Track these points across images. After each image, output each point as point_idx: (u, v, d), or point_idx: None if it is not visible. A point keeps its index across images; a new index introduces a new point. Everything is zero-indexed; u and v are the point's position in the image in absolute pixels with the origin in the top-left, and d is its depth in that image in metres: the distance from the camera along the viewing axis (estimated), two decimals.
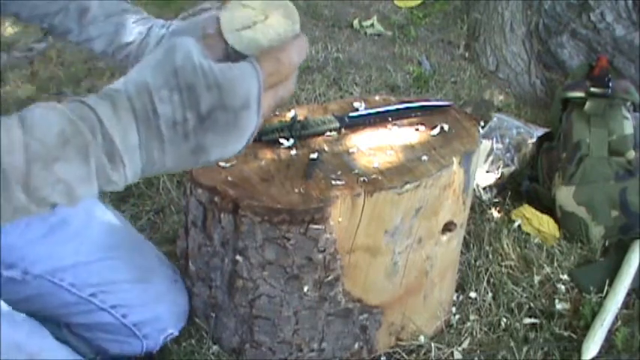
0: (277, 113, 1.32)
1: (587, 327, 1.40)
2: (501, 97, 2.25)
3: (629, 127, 1.71)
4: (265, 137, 1.22)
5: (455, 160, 1.18)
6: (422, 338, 1.35)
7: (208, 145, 0.67)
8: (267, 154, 1.20)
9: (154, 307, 1.22)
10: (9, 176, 0.61)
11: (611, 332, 1.39)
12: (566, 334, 1.40)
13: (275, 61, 0.70)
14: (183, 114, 0.65)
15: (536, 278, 1.53)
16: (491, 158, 1.80)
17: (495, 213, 1.74)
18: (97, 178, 0.64)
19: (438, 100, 1.43)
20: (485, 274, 1.52)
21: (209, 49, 0.69)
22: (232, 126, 0.67)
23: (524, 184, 1.79)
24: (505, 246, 1.59)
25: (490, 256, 1.58)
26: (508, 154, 1.81)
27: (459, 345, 1.37)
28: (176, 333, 1.28)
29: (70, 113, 0.62)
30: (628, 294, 1.48)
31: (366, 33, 2.58)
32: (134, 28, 1.08)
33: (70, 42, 1.14)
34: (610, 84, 1.78)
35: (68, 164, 0.62)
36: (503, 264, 1.56)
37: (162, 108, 0.64)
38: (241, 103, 0.66)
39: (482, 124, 1.82)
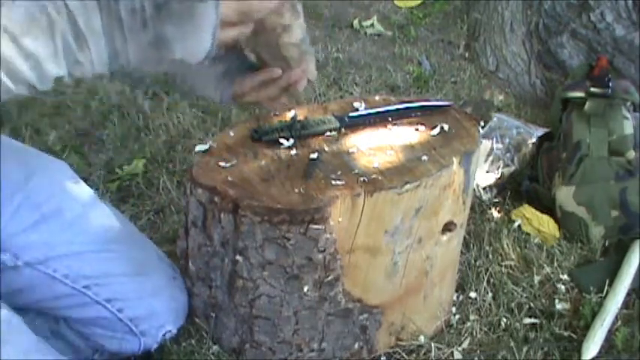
0: (277, 113, 1.32)
1: (587, 327, 1.40)
2: (501, 97, 2.25)
3: (629, 127, 1.71)
4: (265, 137, 1.22)
5: (455, 160, 1.18)
6: (422, 338, 1.35)
7: (167, 37, 0.70)
8: (267, 154, 1.20)
9: (151, 301, 1.22)
10: None
11: (611, 332, 1.39)
12: (566, 334, 1.40)
13: None
14: (141, 2, 0.68)
15: (536, 278, 1.53)
16: (491, 158, 1.81)
17: (495, 213, 1.74)
18: (64, 56, 0.68)
19: (438, 100, 1.43)
20: (485, 274, 1.52)
21: None
22: (188, 16, 0.69)
23: (524, 184, 1.79)
24: (505, 246, 1.59)
25: (490, 256, 1.58)
26: (508, 154, 1.81)
27: (459, 345, 1.37)
28: (174, 331, 1.27)
29: None
30: (628, 294, 1.48)
31: (366, 33, 2.58)
32: None
33: None
34: (610, 84, 1.78)
35: (36, 40, 0.66)
36: (503, 264, 1.56)
37: None
38: (200, 12, 0.69)
39: (482, 124, 1.82)
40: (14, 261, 1.13)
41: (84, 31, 0.68)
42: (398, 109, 1.32)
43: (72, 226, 1.16)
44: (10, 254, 1.13)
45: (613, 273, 1.53)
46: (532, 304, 1.47)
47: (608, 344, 1.38)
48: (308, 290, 1.17)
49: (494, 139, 1.83)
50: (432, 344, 1.34)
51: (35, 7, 0.66)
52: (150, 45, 0.70)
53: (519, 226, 1.68)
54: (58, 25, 0.67)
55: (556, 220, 1.68)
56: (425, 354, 1.33)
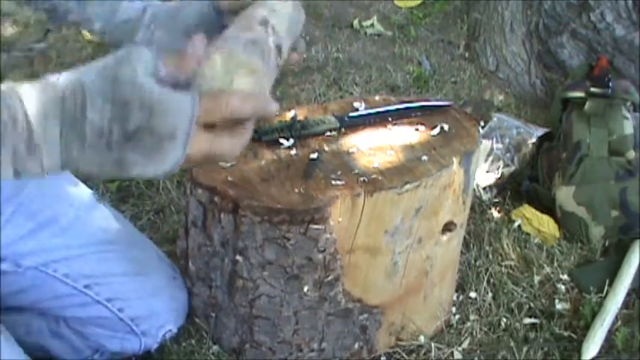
0: (277, 113, 1.31)
1: (587, 327, 1.40)
2: (501, 97, 2.25)
3: (629, 127, 1.71)
4: (265, 137, 1.22)
5: (455, 160, 1.18)
6: (422, 338, 1.35)
7: (129, 162, 0.67)
8: (267, 154, 1.20)
9: (151, 301, 1.22)
10: None
11: (611, 332, 1.39)
12: (566, 334, 1.40)
13: (214, 100, 0.69)
14: (109, 126, 0.65)
15: (536, 278, 1.53)
16: (491, 158, 1.81)
17: (495, 213, 1.74)
18: (12, 163, 0.65)
19: (438, 100, 1.43)
20: (485, 274, 1.52)
21: (173, 65, 0.69)
22: (155, 151, 0.66)
23: (524, 184, 1.79)
24: (505, 246, 1.59)
25: (490, 256, 1.58)
26: (508, 154, 1.81)
27: (459, 345, 1.37)
28: (175, 330, 1.27)
29: None
30: (628, 294, 1.48)
31: (366, 33, 2.58)
32: (130, 6, 1.08)
33: (71, 24, 1.12)
34: (610, 84, 1.78)
35: None
36: (503, 264, 1.56)
37: (92, 113, 0.65)
38: (168, 131, 0.65)
39: (482, 124, 1.82)
40: (15, 268, 1.13)
41: (38, 143, 0.64)
42: (398, 109, 1.32)
43: (68, 230, 1.17)
44: (9, 262, 1.13)
45: (613, 273, 1.53)
46: (532, 304, 1.47)
47: (608, 344, 1.38)
48: (308, 290, 1.17)
49: (494, 139, 1.83)
50: (432, 344, 1.34)
51: None
52: (110, 163, 0.67)
53: (519, 226, 1.68)
54: (9, 133, 0.63)
55: (556, 220, 1.68)
56: (425, 354, 1.33)
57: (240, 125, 0.71)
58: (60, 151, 0.65)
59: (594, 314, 1.42)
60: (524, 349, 1.36)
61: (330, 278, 1.16)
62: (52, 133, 0.64)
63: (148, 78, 0.65)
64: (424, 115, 1.32)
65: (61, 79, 0.66)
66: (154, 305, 1.23)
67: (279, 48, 0.82)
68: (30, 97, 0.64)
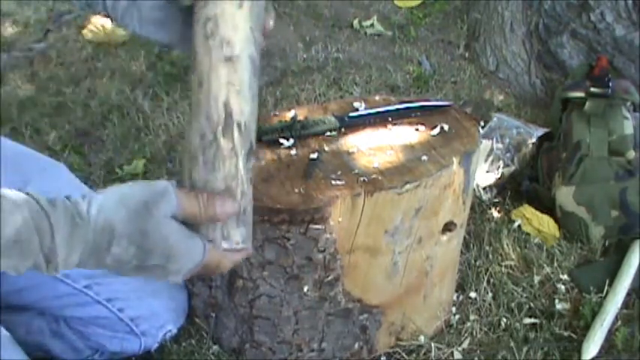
0: (277, 113, 1.32)
1: (587, 327, 1.40)
2: (501, 97, 2.25)
3: (629, 127, 1.71)
4: (265, 137, 1.22)
5: (455, 160, 1.18)
6: (422, 338, 1.35)
7: (134, 275, 0.79)
8: (267, 154, 1.20)
9: (151, 301, 1.22)
10: None
11: (611, 332, 1.39)
12: (566, 334, 1.40)
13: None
14: (130, 259, 0.75)
15: (536, 278, 1.53)
16: (491, 158, 1.80)
17: (495, 213, 1.74)
18: (26, 270, 0.73)
19: (438, 100, 1.43)
20: (485, 274, 1.52)
21: (188, 204, 0.78)
22: (160, 279, 0.79)
23: (524, 184, 1.79)
24: (505, 246, 1.59)
25: (490, 256, 1.58)
26: (508, 154, 1.81)
27: (459, 345, 1.37)
28: (175, 330, 1.27)
29: (30, 218, 0.70)
30: (628, 294, 1.48)
31: (366, 33, 2.58)
32: None
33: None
34: (610, 84, 1.78)
35: (9, 259, 0.70)
36: (503, 264, 1.56)
37: (116, 249, 0.74)
38: (177, 269, 0.78)
39: (482, 124, 1.82)
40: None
41: (59, 262, 0.73)
42: (398, 109, 1.32)
43: None
44: None
45: (613, 273, 1.53)
46: (532, 304, 1.47)
47: (608, 344, 1.38)
48: (308, 290, 1.17)
49: (494, 139, 1.83)
50: (432, 344, 1.34)
51: (24, 228, 0.70)
52: (129, 271, 0.78)
53: (519, 226, 1.68)
54: (35, 252, 0.71)
55: (556, 220, 1.68)
56: (425, 354, 1.34)
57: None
58: (77, 265, 0.75)
59: (594, 314, 1.42)
60: (524, 349, 1.36)
61: (330, 278, 1.16)
62: (73, 257, 0.73)
63: (171, 227, 0.76)
64: (424, 115, 1.32)
65: (93, 209, 0.74)
66: (154, 305, 1.23)
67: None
68: (60, 224, 0.72)
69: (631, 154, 1.67)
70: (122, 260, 0.75)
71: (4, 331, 0.99)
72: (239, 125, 0.81)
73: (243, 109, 0.82)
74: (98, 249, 0.74)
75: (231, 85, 0.81)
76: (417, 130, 1.28)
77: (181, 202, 0.77)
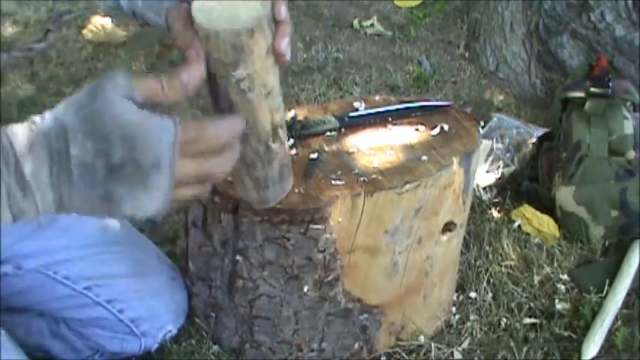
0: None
1: (587, 327, 1.40)
2: (501, 97, 2.25)
3: (629, 127, 1.70)
4: None
5: (455, 160, 1.18)
6: (422, 338, 1.35)
7: (115, 196, 0.66)
8: None
9: (151, 302, 1.22)
10: None
11: (611, 332, 1.39)
12: (566, 334, 1.40)
13: (199, 128, 0.69)
14: (93, 162, 0.65)
15: (536, 278, 1.53)
16: (491, 158, 1.80)
17: (495, 213, 1.74)
18: (9, 205, 0.66)
19: (438, 100, 1.43)
20: (485, 274, 1.52)
21: (148, 92, 0.69)
22: (141, 183, 0.66)
23: (524, 184, 1.79)
24: (505, 246, 1.59)
25: (490, 256, 1.58)
26: (508, 154, 1.81)
27: (459, 345, 1.37)
28: (175, 331, 1.27)
29: None
30: (628, 294, 1.48)
31: (366, 33, 2.58)
32: None
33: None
34: (610, 84, 1.78)
35: None
36: (503, 264, 1.56)
37: (75, 151, 0.65)
38: (152, 161, 0.65)
39: (482, 124, 1.82)
40: (16, 271, 1.13)
41: (30, 182, 0.65)
42: (398, 109, 1.32)
43: (69, 231, 1.16)
44: (11, 265, 1.13)
45: (613, 273, 1.53)
46: (532, 304, 1.47)
47: (608, 344, 1.38)
48: (308, 290, 1.17)
49: (494, 139, 1.83)
50: (432, 344, 1.34)
51: None
52: (98, 200, 0.67)
53: (519, 226, 1.68)
54: (3, 174, 0.64)
55: (556, 220, 1.68)
56: (425, 354, 1.33)
57: (227, 145, 0.72)
58: (52, 189, 0.66)
59: (594, 314, 1.42)
60: (524, 349, 1.36)
61: (330, 278, 1.16)
62: (42, 172, 0.65)
63: (125, 106, 0.65)
64: (424, 115, 1.32)
65: (45, 120, 0.66)
66: (154, 306, 1.23)
67: None
68: (18, 138, 0.65)
69: (631, 154, 1.67)
70: (87, 164, 0.65)
71: (3, 333, 0.99)
72: (281, 126, 0.92)
73: (281, 113, 0.92)
74: (59, 157, 0.65)
75: (273, 110, 0.90)
76: (417, 130, 1.28)
77: (135, 83, 0.68)
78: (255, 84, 0.86)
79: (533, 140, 1.84)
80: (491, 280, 1.51)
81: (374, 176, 1.14)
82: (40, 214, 0.68)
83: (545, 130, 1.89)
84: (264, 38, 0.84)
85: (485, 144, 1.81)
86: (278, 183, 0.97)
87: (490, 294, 1.48)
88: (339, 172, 1.15)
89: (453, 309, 1.45)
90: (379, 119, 1.30)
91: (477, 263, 1.56)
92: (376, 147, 1.23)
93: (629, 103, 1.77)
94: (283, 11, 0.87)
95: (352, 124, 1.28)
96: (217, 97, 0.86)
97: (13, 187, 0.65)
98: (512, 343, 1.36)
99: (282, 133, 0.96)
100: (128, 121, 0.65)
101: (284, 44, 0.86)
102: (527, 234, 1.66)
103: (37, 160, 0.65)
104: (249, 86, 0.85)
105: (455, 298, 1.47)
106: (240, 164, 0.93)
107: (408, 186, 1.12)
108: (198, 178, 0.71)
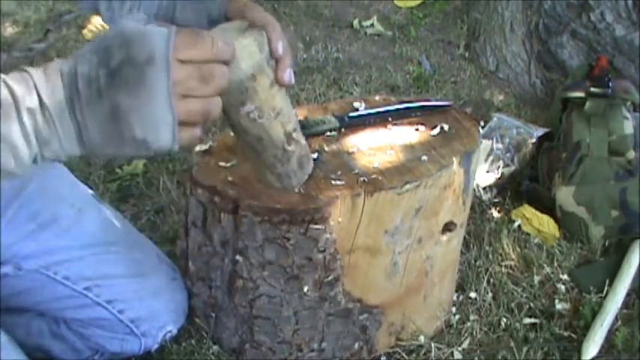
0: None
1: (587, 327, 1.40)
2: (501, 97, 2.25)
3: (629, 127, 1.70)
4: None
5: (455, 160, 1.18)
6: (422, 338, 1.35)
7: (122, 107, 0.68)
8: None
9: (151, 302, 1.22)
10: None
11: (611, 332, 1.39)
12: (566, 334, 1.40)
13: (195, 34, 0.71)
14: (96, 71, 0.68)
15: (536, 278, 1.53)
16: (491, 158, 1.80)
17: (495, 213, 1.74)
18: (33, 135, 0.69)
19: (438, 100, 1.43)
20: (485, 274, 1.52)
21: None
22: (139, 82, 0.68)
23: (524, 184, 1.79)
24: (505, 246, 1.59)
25: (490, 256, 1.58)
26: (508, 154, 1.81)
27: (459, 345, 1.37)
28: (175, 331, 1.27)
29: (6, 78, 0.68)
30: (628, 294, 1.48)
31: (366, 33, 2.58)
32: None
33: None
34: (610, 84, 1.78)
35: (6, 123, 0.67)
36: (503, 264, 1.56)
37: (81, 68, 0.69)
38: (146, 57, 0.67)
39: (482, 124, 1.82)
40: (16, 272, 1.13)
41: (48, 106, 0.68)
42: (398, 109, 1.32)
43: (69, 231, 1.16)
44: (11, 266, 1.13)
45: (613, 273, 1.53)
46: (532, 304, 1.47)
47: (608, 344, 1.38)
48: (308, 290, 1.17)
49: (494, 139, 1.83)
50: (432, 344, 1.34)
51: (3, 88, 0.67)
52: (108, 118, 0.69)
53: (519, 226, 1.68)
54: (25, 104, 0.68)
55: (556, 220, 1.68)
56: (425, 354, 1.33)
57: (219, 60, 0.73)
58: (68, 110, 0.69)
59: (594, 314, 1.42)
60: (524, 349, 1.36)
61: (330, 278, 1.16)
62: (57, 95, 0.69)
63: (129, 22, 0.71)
64: (424, 115, 1.32)
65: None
66: (154, 306, 1.23)
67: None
68: (35, 71, 0.69)
69: (631, 154, 1.67)
70: (91, 77, 0.68)
71: (4, 333, 0.99)
72: (295, 129, 1.02)
73: (293, 120, 1.01)
74: (70, 78, 0.69)
75: (284, 123, 0.98)
76: (417, 130, 1.28)
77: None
78: (264, 111, 0.92)
79: (533, 140, 1.84)
80: (491, 280, 1.51)
81: (374, 176, 1.14)
82: (64, 147, 0.71)
83: (545, 130, 1.89)
84: (266, 76, 0.91)
85: (485, 144, 1.81)
86: (299, 171, 1.07)
87: (490, 294, 1.48)
88: (339, 172, 1.15)
89: (453, 309, 1.45)
90: (379, 119, 1.30)
91: (477, 263, 1.56)
92: (376, 147, 1.22)
93: (629, 103, 1.77)
94: (280, 48, 0.91)
95: (352, 124, 1.28)
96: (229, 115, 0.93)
97: (34, 113, 0.68)
98: (512, 343, 1.36)
99: (297, 133, 1.04)
100: (127, 28, 0.69)
101: (287, 76, 0.92)
102: (527, 234, 1.66)
103: (51, 84, 0.69)
104: (259, 114, 0.91)
105: (455, 298, 1.47)
106: (260, 164, 1.03)
107: (408, 186, 1.12)
108: (200, 78, 0.71)
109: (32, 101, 0.68)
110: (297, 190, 1.09)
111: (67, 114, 0.69)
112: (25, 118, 0.68)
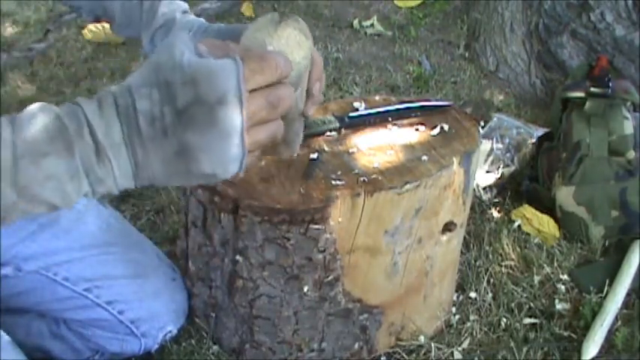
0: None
1: (587, 327, 1.40)
2: (501, 97, 2.25)
3: (629, 127, 1.71)
4: None
5: (455, 160, 1.18)
6: (422, 338, 1.35)
7: (191, 146, 0.65)
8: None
9: (151, 303, 1.22)
10: None
11: (611, 332, 1.39)
12: (566, 334, 1.40)
13: (260, 59, 0.67)
14: (160, 109, 0.64)
15: (536, 278, 1.53)
16: (491, 158, 1.81)
17: (495, 213, 1.74)
18: (85, 174, 0.65)
19: (438, 100, 1.43)
20: (485, 274, 1.52)
21: (210, 47, 0.67)
22: (210, 122, 0.64)
23: (524, 184, 1.79)
24: (505, 246, 1.59)
25: (490, 256, 1.58)
26: (508, 154, 1.81)
27: (459, 345, 1.37)
28: (175, 331, 1.27)
29: (57, 110, 0.64)
30: (628, 294, 1.48)
31: (366, 33, 2.58)
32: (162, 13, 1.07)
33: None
34: (610, 84, 1.78)
35: (55, 159, 0.63)
36: (503, 264, 1.56)
37: (141, 104, 0.64)
38: (217, 97, 0.63)
39: (482, 124, 1.82)
40: (16, 273, 1.13)
41: (103, 144, 0.64)
42: (398, 109, 1.32)
43: (69, 232, 1.16)
44: (12, 267, 1.13)
45: (613, 273, 1.53)
46: (532, 304, 1.47)
47: (608, 344, 1.38)
48: (308, 290, 1.17)
49: (494, 139, 1.83)
50: (432, 344, 1.34)
51: (53, 123, 0.63)
52: (174, 156, 0.65)
53: (519, 226, 1.68)
54: (77, 141, 0.63)
55: (556, 220, 1.68)
56: (425, 354, 1.33)
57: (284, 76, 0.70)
58: (125, 149, 0.65)
59: (594, 314, 1.42)
60: (524, 349, 1.36)
61: (330, 278, 1.16)
62: (114, 134, 0.64)
63: (186, 54, 0.64)
64: (424, 115, 1.32)
65: (113, 87, 0.66)
66: (154, 307, 1.23)
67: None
68: (87, 104, 0.65)
69: (631, 154, 1.67)
70: (155, 116, 0.64)
71: (4, 334, 0.99)
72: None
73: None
74: (127, 112, 0.64)
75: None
76: (417, 130, 1.28)
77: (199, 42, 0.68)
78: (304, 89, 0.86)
79: (533, 140, 1.84)
80: (491, 280, 1.51)
81: (374, 176, 1.14)
82: (118, 184, 0.67)
83: (545, 130, 1.89)
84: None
85: (485, 144, 1.81)
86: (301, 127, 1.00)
87: (490, 294, 1.48)
88: (339, 172, 1.15)
89: (453, 309, 1.45)
90: (379, 119, 1.30)
91: (477, 263, 1.56)
92: (376, 147, 1.23)
93: (629, 103, 1.77)
94: (317, 90, 0.87)
95: (352, 124, 1.28)
96: None
97: (88, 152, 0.64)
98: (512, 343, 1.36)
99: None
100: (188, 63, 0.63)
101: (311, 111, 0.90)
102: (527, 234, 1.66)
103: (106, 120, 0.64)
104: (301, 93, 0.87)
105: (455, 298, 1.47)
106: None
107: (408, 186, 1.12)
108: (270, 106, 0.68)
109: (85, 138, 0.64)
110: (296, 155, 1.00)
111: (125, 152, 0.65)
112: (77, 155, 0.64)
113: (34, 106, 0.64)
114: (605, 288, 1.49)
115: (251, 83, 0.66)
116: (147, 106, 0.64)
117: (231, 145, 0.65)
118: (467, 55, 2.45)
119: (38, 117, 0.63)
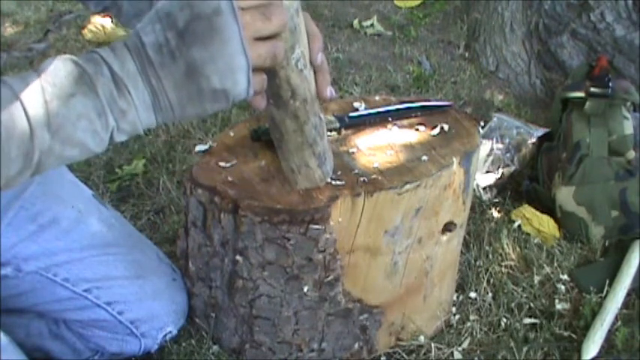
0: None
1: (587, 327, 1.40)
2: (501, 97, 2.25)
3: (629, 127, 1.71)
4: (265, 137, 1.22)
5: (455, 160, 1.18)
6: (422, 338, 1.35)
7: (198, 62, 0.72)
8: (267, 154, 1.20)
9: (151, 303, 1.22)
10: (32, 120, 0.69)
11: (611, 332, 1.39)
12: (566, 334, 1.40)
13: None
14: (164, 36, 0.72)
15: (536, 278, 1.53)
16: (491, 158, 1.80)
17: (495, 213, 1.74)
18: (109, 107, 0.72)
19: (438, 100, 1.43)
20: (485, 274, 1.52)
21: None
22: (210, 32, 0.71)
23: (524, 184, 1.79)
24: (505, 246, 1.59)
25: (490, 256, 1.58)
26: (508, 154, 1.81)
27: (459, 345, 1.37)
28: (175, 332, 1.27)
29: (75, 58, 0.72)
30: (628, 294, 1.48)
31: (366, 33, 2.58)
32: None
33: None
34: (610, 84, 1.78)
35: (82, 98, 0.71)
36: (503, 264, 1.56)
37: (147, 38, 0.73)
38: (212, 9, 0.71)
39: (482, 124, 1.82)
40: (16, 273, 1.13)
41: (120, 75, 0.72)
42: (398, 109, 1.32)
43: (69, 233, 1.16)
44: (11, 267, 1.13)
45: (613, 273, 1.53)
46: (532, 304, 1.47)
47: (608, 344, 1.38)
48: (308, 290, 1.17)
49: (494, 139, 1.83)
50: (432, 344, 1.34)
51: (74, 68, 0.71)
52: (184, 78, 0.73)
53: (519, 226, 1.68)
54: (98, 79, 0.71)
55: (556, 220, 1.68)
56: (425, 354, 1.34)
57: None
58: (141, 78, 0.73)
59: (594, 314, 1.42)
60: (524, 349, 1.36)
61: (330, 278, 1.16)
62: (128, 66, 0.72)
63: None
64: (424, 115, 1.32)
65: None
66: (154, 308, 1.23)
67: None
68: (101, 50, 0.74)
69: (631, 154, 1.67)
70: (160, 43, 0.73)
71: (3, 334, 0.99)
72: (321, 118, 1.06)
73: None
74: (136, 48, 0.73)
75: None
76: (417, 130, 1.28)
77: None
78: (306, 61, 0.94)
79: (533, 140, 1.84)
80: (491, 280, 1.51)
81: (374, 176, 1.14)
82: (140, 116, 0.74)
83: (545, 130, 1.89)
84: (302, 16, 0.91)
85: (485, 144, 1.81)
86: (329, 152, 1.11)
87: (490, 294, 1.48)
88: (339, 172, 1.15)
89: (453, 309, 1.45)
90: (379, 119, 1.30)
91: (477, 263, 1.56)
92: (376, 147, 1.23)
93: (629, 103, 1.77)
94: (319, 58, 0.95)
95: (352, 124, 1.28)
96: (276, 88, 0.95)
97: (109, 86, 0.71)
98: (512, 343, 1.36)
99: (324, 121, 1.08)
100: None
101: (328, 92, 0.99)
102: (527, 234, 1.66)
103: (120, 58, 0.73)
104: (304, 63, 0.93)
105: (455, 298, 1.47)
106: (305, 148, 1.06)
107: (408, 186, 1.12)
108: (263, 16, 0.75)
109: (104, 74, 0.71)
110: (326, 181, 1.11)
111: (141, 82, 0.72)
112: (100, 91, 0.71)
113: (53, 59, 0.72)
114: (605, 288, 1.49)
115: (242, 2, 0.73)
116: (152, 37, 0.72)
117: (233, 52, 0.72)
118: (467, 55, 2.45)
119: (60, 65, 0.71)
